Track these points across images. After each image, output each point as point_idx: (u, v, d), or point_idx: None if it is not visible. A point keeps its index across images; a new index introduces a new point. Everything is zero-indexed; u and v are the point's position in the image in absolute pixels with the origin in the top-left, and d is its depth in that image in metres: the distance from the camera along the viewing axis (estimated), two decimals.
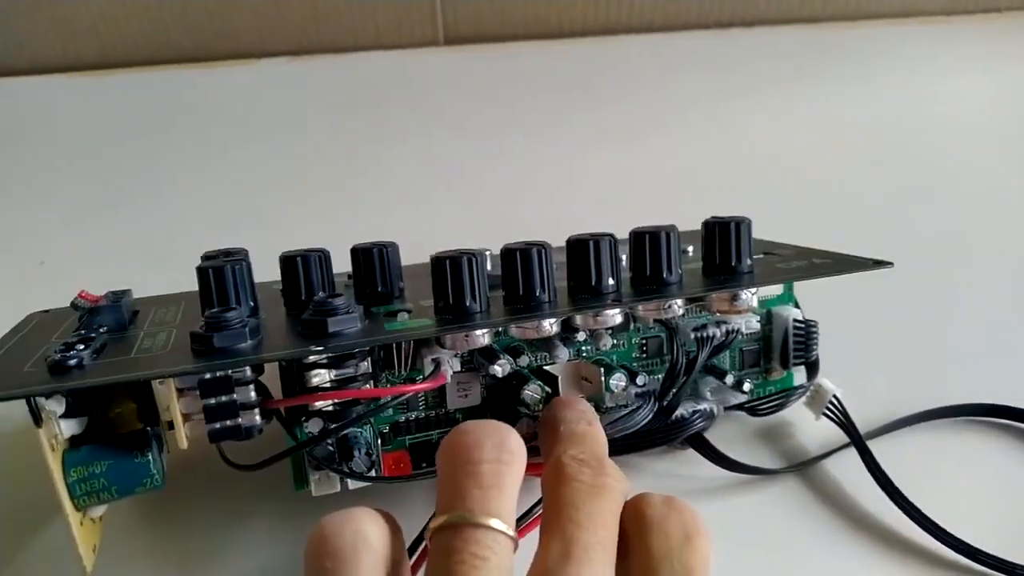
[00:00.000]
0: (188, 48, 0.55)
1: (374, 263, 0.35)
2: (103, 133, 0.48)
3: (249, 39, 0.55)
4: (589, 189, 0.49)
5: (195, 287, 0.38)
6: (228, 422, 0.29)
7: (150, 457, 0.30)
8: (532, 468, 0.34)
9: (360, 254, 0.35)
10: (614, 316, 0.33)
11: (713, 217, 0.36)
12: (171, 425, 0.32)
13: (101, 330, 0.33)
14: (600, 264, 0.33)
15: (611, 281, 0.33)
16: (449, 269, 0.31)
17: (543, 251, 0.32)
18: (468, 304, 0.32)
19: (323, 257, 0.35)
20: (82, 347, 0.29)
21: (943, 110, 0.59)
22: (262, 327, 0.31)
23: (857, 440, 0.38)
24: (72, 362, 0.28)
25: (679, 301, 0.34)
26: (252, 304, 0.34)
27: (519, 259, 0.32)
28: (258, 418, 0.30)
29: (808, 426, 0.41)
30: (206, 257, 0.38)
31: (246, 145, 0.52)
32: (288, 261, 0.35)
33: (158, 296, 0.40)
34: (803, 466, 0.39)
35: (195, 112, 0.53)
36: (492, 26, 0.56)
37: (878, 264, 0.36)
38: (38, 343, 0.32)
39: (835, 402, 0.39)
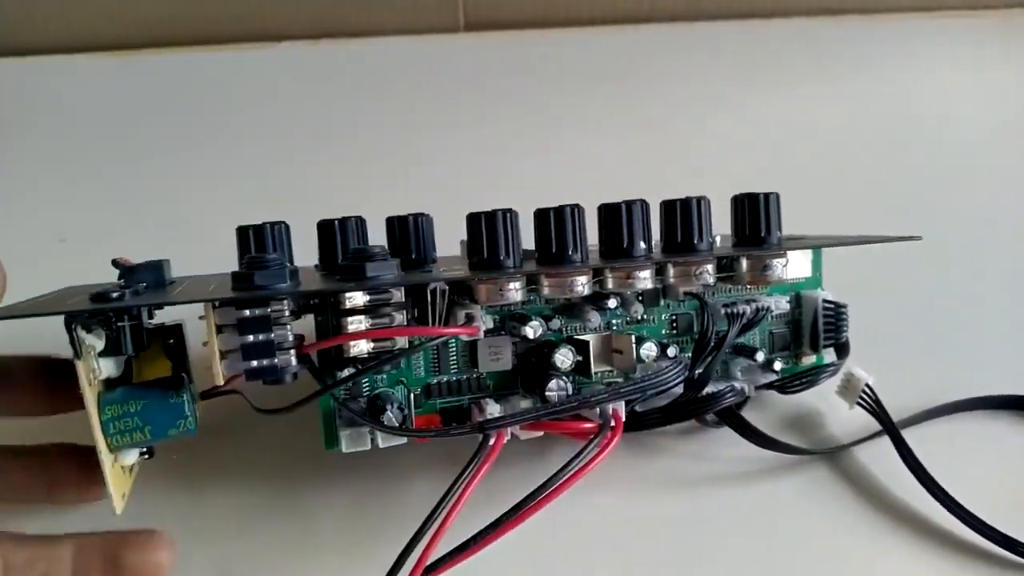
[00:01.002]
0: (207, 30, 0.56)
1: (408, 231, 0.36)
2: (122, 113, 0.48)
3: (268, 22, 0.56)
4: (612, 177, 0.50)
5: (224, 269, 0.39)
6: (264, 361, 0.29)
7: (184, 398, 0.30)
8: (560, 426, 0.34)
9: (395, 222, 0.36)
10: (645, 279, 0.33)
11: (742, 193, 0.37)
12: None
13: (142, 286, 0.34)
14: (632, 227, 0.34)
15: (643, 245, 0.34)
16: (484, 224, 0.32)
17: (576, 210, 0.33)
18: (502, 259, 0.32)
19: (360, 222, 0.36)
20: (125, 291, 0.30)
21: (968, 103, 0.60)
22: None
23: (891, 428, 0.38)
24: (115, 294, 0.29)
25: (710, 268, 0.34)
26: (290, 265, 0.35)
27: (552, 218, 0.33)
28: (294, 360, 0.30)
29: (840, 415, 0.40)
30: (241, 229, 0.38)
31: (265, 128, 0.53)
32: (325, 226, 0.36)
33: (191, 276, 0.41)
34: (836, 451, 0.39)
35: (214, 94, 0.54)
36: (513, 12, 0.56)
37: (905, 236, 0.36)
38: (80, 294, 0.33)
39: (868, 391, 0.39)
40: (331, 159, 0.47)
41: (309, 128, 0.56)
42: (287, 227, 0.35)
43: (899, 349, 0.43)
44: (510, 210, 0.32)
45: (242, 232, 0.35)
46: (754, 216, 0.36)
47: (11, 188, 0.50)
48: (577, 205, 0.33)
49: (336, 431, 0.33)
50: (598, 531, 0.35)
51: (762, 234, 0.36)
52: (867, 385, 0.39)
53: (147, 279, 0.34)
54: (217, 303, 0.29)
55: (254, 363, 0.29)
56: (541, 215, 0.33)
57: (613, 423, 0.33)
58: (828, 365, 0.39)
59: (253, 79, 0.54)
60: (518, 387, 0.36)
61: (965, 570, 0.33)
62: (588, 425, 0.33)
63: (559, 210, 0.33)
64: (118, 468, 0.30)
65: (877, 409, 0.38)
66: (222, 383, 0.29)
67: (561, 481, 0.31)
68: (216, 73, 0.54)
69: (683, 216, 0.35)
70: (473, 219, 0.32)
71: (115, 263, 0.35)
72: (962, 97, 0.61)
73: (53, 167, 0.53)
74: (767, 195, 0.36)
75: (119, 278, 0.35)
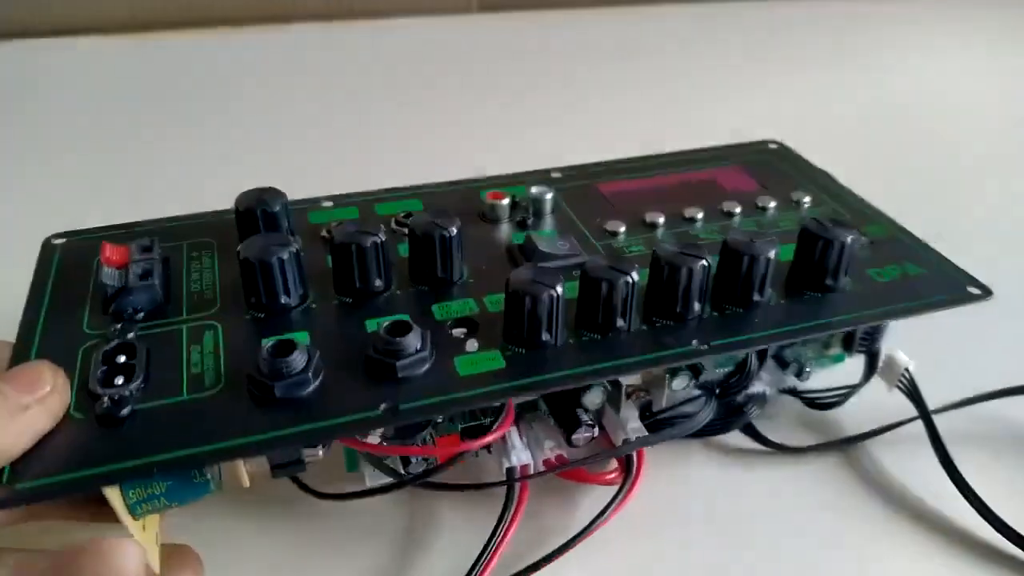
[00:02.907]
0: (220, 11, 0.52)
1: (435, 249, 0.32)
2: (135, 94, 0.46)
3: (283, 3, 0.51)
4: (628, 156, 0.44)
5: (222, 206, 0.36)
6: (291, 464, 0.28)
7: (209, 477, 0.29)
8: (583, 478, 0.34)
9: (421, 238, 0.31)
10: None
11: (816, 220, 0.32)
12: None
13: (138, 316, 0.30)
14: (689, 292, 0.30)
15: (697, 307, 0.31)
16: (527, 304, 0.28)
17: (629, 278, 0.29)
18: (544, 339, 0.29)
19: (379, 245, 0.31)
20: (122, 381, 0.27)
21: (1002, 84, 0.52)
22: (317, 350, 0.28)
23: (925, 415, 0.37)
24: (124, 411, 0.26)
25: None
26: (301, 291, 0.31)
27: (604, 289, 0.29)
28: (320, 453, 0.29)
29: (871, 396, 0.40)
30: (241, 198, 0.33)
31: (279, 108, 0.50)
32: (342, 249, 0.31)
33: (185, 223, 0.36)
34: (854, 441, 0.39)
35: (227, 75, 0.50)
36: None
37: (978, 294, 0.33)
38: (70, 331, 0.29)
39: (906, 375, 0.38)
40: (344, 139, 0.41)
41: (321, 109, 0.52)
42: (297, 252, 0.30)
43: (940, 337, 0.42)
44: (556, 284, 0.28)
45: (247, 266, 0.30)
46: (823, 258, 0.32)
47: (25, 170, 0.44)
48: (630, 269, 0.29)
49: (358, 460, 0.33)
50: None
51: (827, 281, 0.32)
52: (906, 369, 0.38)
53: (141, 302, 0.31)
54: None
55: (279, 467, 0.28)
56: (591, 282, 0.29)
57: (636, 462, 0.34)
58: (856, 385, 0.38)
59: (266, 60, 0.50)
60: (539, 408, 0.35)
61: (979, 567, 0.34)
62: (610, 476, 0.34)
63: (611, 281, 0.29)
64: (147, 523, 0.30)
65: (914, 393, 0.38)
66: (248, 485, 0.28)
67: (587, 533, 0.32)
68: (230, 55, 0.50)
69: (747, 269, 0.31)
70: (515, 297, 0.28)
71: (102, 283, 0.31)
72: (984, 81, 0.52)
73: (62, 147, 0.49)
74: (843, 243, 0.32)
75: (109, 299, 0.31)
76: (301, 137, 0.47)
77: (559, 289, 0.28)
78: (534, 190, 0.38)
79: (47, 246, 0.35)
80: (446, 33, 0.53)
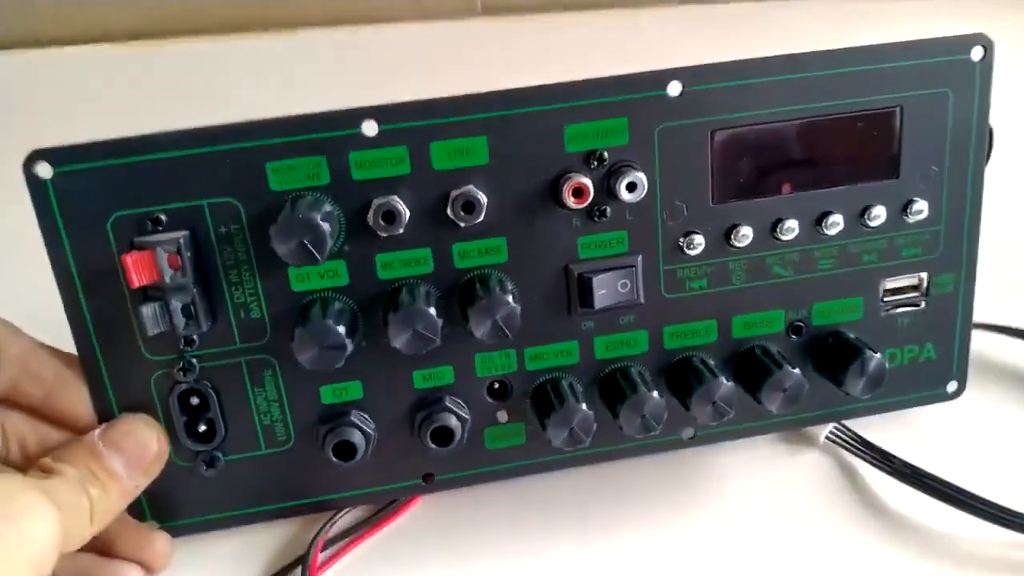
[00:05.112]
0: (225, 18, 0.51)
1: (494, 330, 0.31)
2: (140, 103, 0.41)
3: (287, 9, 0.52)
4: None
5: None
6: None
7: None
8: None
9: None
10: None
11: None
12: None
13: (192, 346, 0.31)
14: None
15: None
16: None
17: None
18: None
19: (429, 329, 0.30)
20: (205, 430, 0.33)
21: None
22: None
23: None
24: (220, 465, 0.33)
25: None
26: (353, 344, 0.31)
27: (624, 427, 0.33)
28: None
29: None
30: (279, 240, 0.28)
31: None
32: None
33: (198, 153, 0.28)
34: None
35: (233, 82, 0.48)
36: None
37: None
38: (131, 356, 0.31)
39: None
40: None
41: None
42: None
43: None
44: None
45: None
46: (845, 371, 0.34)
47: None
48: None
49: None
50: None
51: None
52: None
53: (191, 332, 0.30)
54: None
55: None
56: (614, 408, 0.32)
57: None
58: None
59: (272, 67, 0.50)
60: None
61: None
62: None
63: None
64: None
65: None
66: None
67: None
68: (235, 62, 0.50)
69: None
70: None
71: (147, 332, 0.29)
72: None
73: None
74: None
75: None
76: None
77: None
78: (626, 189, 0.30)
79: (33, 179, 0.28)
80: (450, 37, 0.52)
